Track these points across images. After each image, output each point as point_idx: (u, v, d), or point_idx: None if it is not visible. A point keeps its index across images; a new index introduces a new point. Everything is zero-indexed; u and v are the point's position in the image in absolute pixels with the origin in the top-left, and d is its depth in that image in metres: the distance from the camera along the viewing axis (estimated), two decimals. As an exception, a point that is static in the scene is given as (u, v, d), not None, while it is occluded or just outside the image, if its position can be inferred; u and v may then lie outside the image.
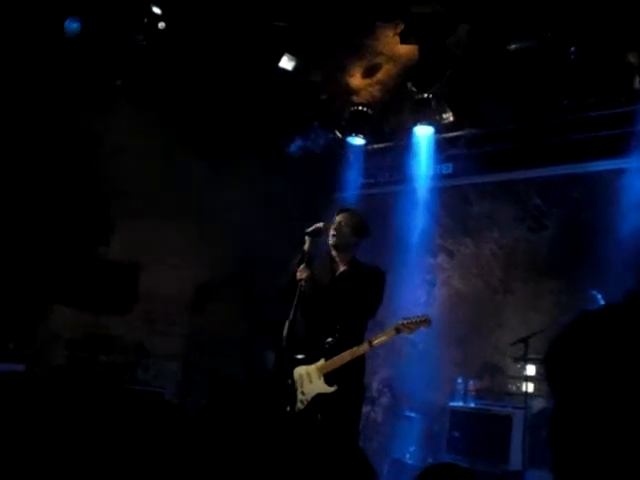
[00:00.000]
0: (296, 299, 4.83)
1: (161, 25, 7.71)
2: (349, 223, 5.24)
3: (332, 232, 5.11)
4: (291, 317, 4.76)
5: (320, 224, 5.15)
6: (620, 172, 7.67)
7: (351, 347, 4.88)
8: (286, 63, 8.23)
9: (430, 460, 8.05)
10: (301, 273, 4.98)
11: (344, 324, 4.92)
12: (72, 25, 7.53)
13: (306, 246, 5.08)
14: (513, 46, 7.57)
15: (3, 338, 7.63)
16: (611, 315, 2.59)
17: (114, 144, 8.42)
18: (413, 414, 8.29)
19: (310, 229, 5.11)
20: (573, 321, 2.61)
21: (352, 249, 5.28)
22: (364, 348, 4.90)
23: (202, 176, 9.04)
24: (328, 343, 4.91)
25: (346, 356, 4.87)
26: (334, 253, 5.26)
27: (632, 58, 7.32)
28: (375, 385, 8.56)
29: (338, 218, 5.25)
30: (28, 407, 6.37)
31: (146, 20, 7.65)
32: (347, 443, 4.90)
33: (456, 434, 7.67)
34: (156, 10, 7.65)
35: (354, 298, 5.02)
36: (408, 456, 8.03)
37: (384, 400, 8.46)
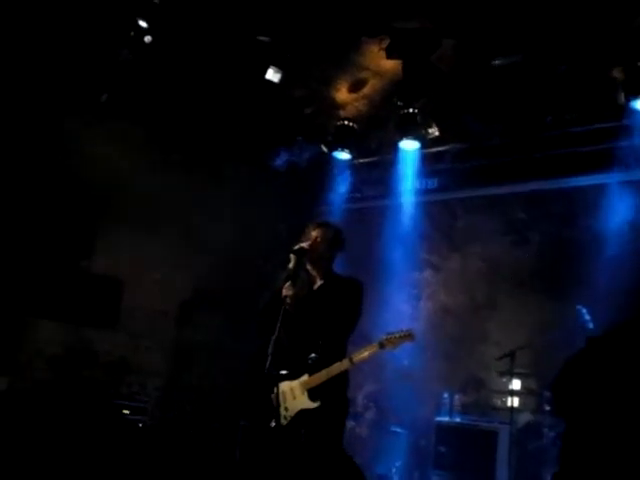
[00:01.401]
0: (281, 316, 4.80)
1: (147, 39, 7.69)
2: (325, 237, 5.23)
3: (308, 247, 5.10)
4: (276, 334, 4.73)
5: (305, 243, 5.14)
6: (603, 187, 7.72)
7: (334, 362, 4.85)
8: (272, 75, 8.20)
9: (416, 475, 8.04)
10: (286, 291, 4.96)
11: (326, 339, 4.91)
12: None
13: (291, 264, 5.05)
14: (497, 62, 7.61)
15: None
16: (613, 343, 2.60)
17: (99, 158, 8.40)
18: (399, 429, 8.26)
19: (295, 247, 5.10)
20: (576, 352, 2.62)
21: (328, 263, 5.28)
22: (345, 364, 4.86)
23: (187, 190, 9.04)
24: (311, 359, 4.89)
25: (329, 372, 4.85)
26: (310, 267, 5.26)
27: (617, 73, 7.36)
28: (360, 400, 8.53)
29: (314, 233, 5.25)
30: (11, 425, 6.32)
31: (132, 34, 7.64)
32: (332, 451, 4.89)
33: (442, 449, 7.65)
34: (142, 24, 7.63)
35: (333, 311, 5.00)
36: (394, 471, 8.01)
37: (369, 415, 8.43)
